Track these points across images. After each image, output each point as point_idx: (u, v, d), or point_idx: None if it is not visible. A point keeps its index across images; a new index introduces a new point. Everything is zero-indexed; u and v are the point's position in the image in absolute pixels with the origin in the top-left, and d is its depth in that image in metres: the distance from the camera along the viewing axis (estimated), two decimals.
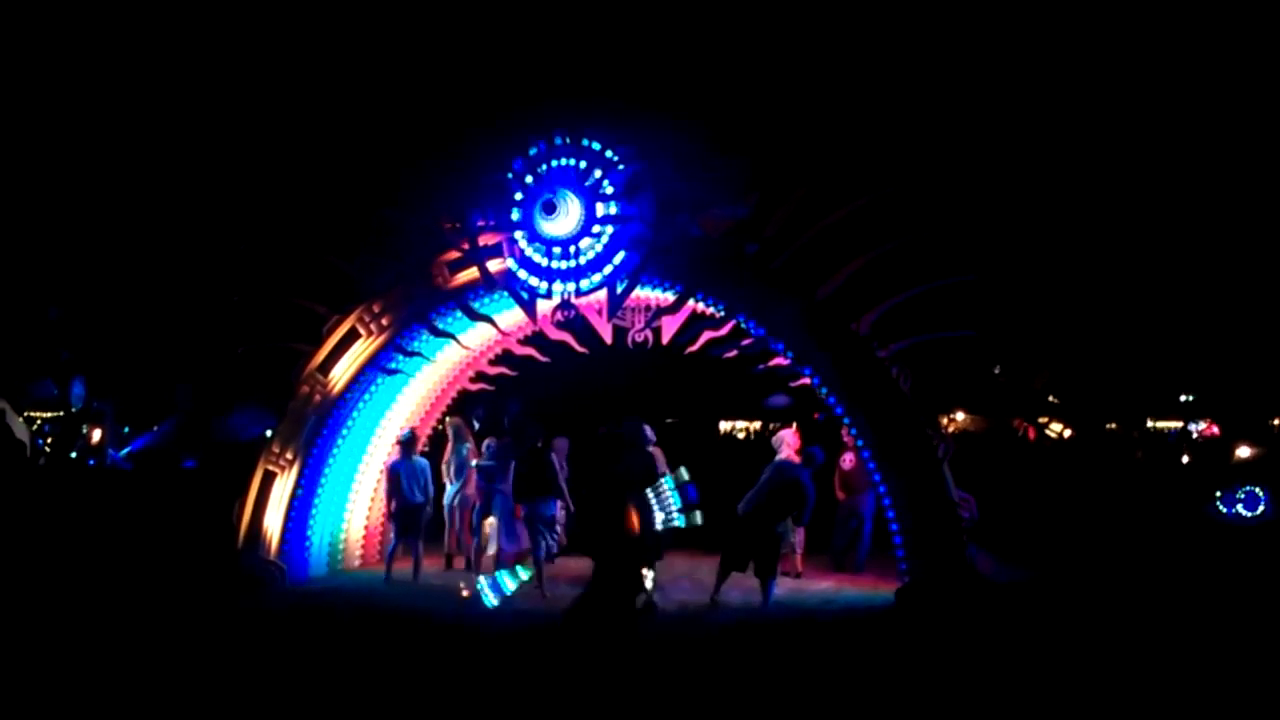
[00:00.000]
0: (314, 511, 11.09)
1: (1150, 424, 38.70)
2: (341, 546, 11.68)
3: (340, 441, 11.16)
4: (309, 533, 11.03)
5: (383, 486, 11.60)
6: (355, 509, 11.85)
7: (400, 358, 10.99)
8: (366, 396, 11.18)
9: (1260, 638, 8.10)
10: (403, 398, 11.75)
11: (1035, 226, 31.79)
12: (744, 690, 6.80)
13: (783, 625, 8.84)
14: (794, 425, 12.71)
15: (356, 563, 11.92)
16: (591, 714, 6.39)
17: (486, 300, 10.73)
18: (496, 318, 10.88)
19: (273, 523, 10.81)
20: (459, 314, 10.80)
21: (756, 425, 38.12)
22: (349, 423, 11.16)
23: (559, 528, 10.79)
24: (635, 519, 8.52)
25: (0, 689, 6.69)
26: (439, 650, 7.94)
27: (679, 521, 9.85)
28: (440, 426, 12.37)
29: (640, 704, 6.51)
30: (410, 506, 11.05)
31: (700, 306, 10.16)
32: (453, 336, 11.01)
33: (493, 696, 6.70)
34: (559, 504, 10.64)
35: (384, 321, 10.87)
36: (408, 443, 11.27)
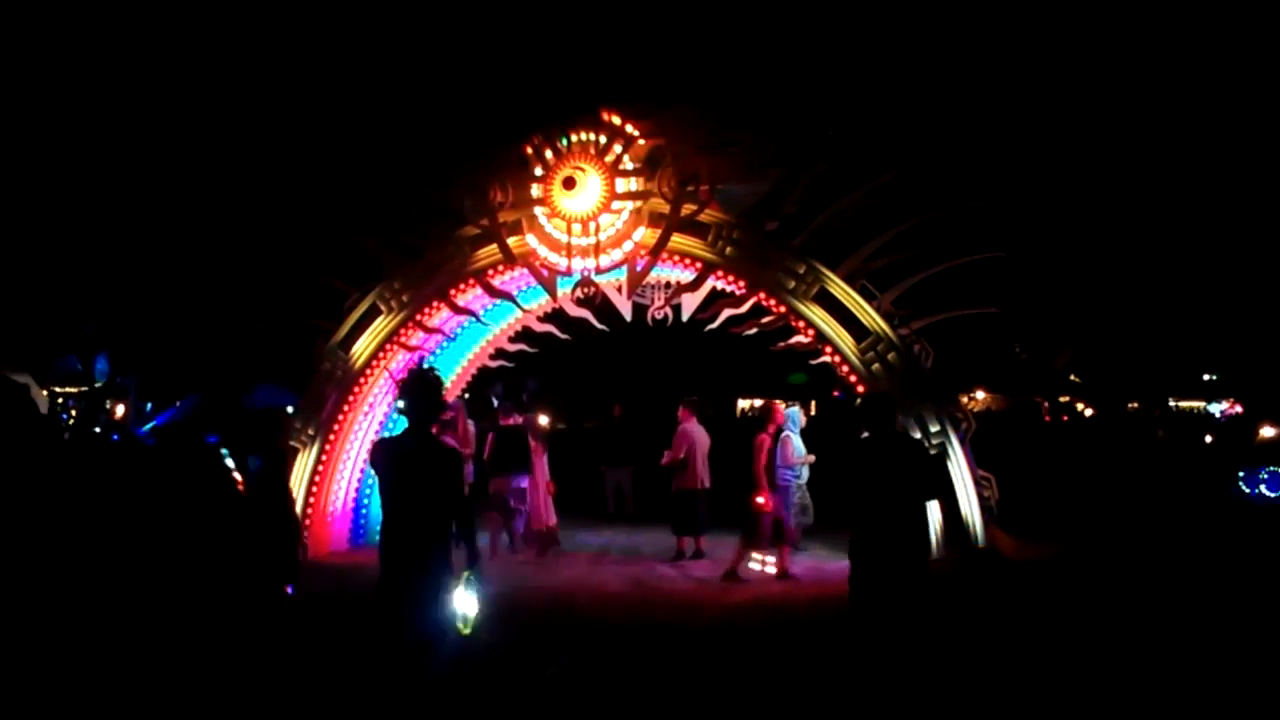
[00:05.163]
0: (334, 486, 11.18)
1: (1173, 403, 38.33)
2: (362, 521, 11.77)
3: (361, 418, 11.24)
4: (329, 507, 11.12)
5: None
6: (375, 483, 11.93)
7: (420, 333, 11.03)
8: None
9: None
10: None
11: (1058, 205, 31.51)
12: (764, 665, 6.82)
13: (801, 600, 8.83)
14: (797, 404, 12.66)
15: (377, 537, 11.97)
16: (610, 690, 6.43)
17: (506, 276, 10.75)
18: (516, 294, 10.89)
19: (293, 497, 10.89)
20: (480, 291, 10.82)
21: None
22: (370, 398, 11.22)
23: (525, 505, 11.08)
24: None
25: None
26: None
27: None
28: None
29: (657, 681, 6.54)
30: None
31: (720, 284, 10.13)
32: (472, 313, 11.02)
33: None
34: (527, 478, 10.97)
35: (404, 298, 10.90)
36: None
